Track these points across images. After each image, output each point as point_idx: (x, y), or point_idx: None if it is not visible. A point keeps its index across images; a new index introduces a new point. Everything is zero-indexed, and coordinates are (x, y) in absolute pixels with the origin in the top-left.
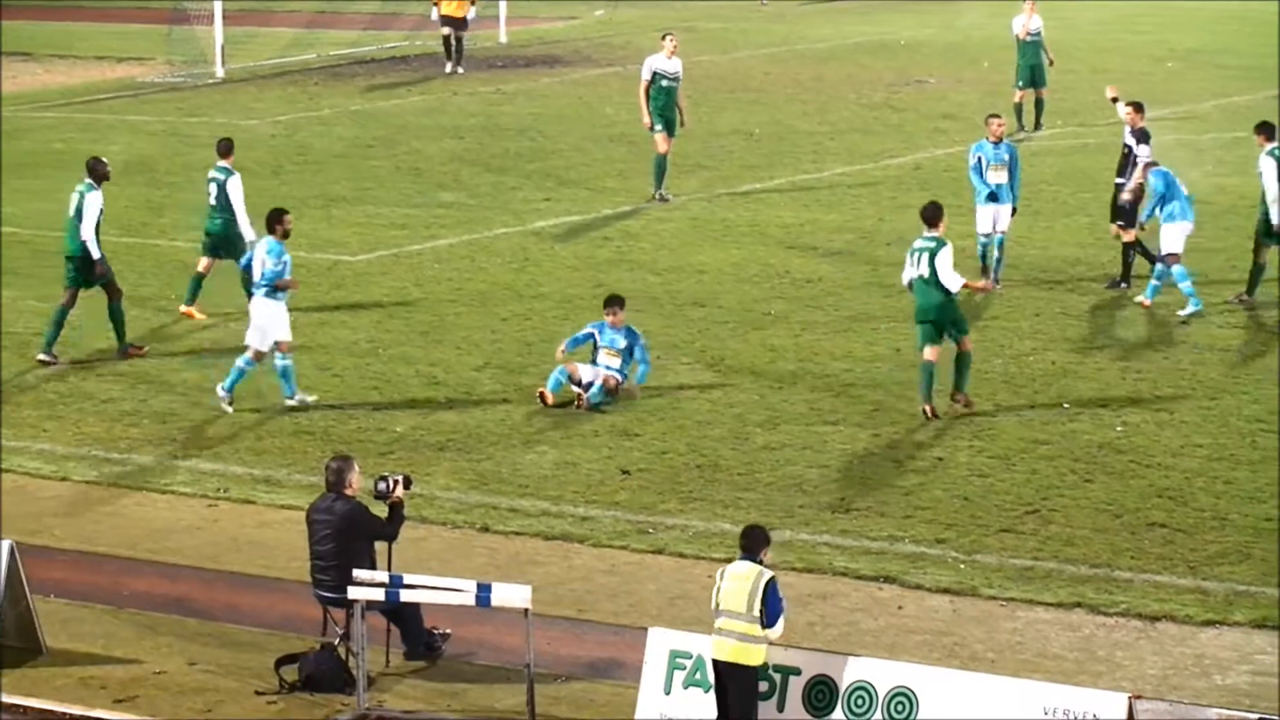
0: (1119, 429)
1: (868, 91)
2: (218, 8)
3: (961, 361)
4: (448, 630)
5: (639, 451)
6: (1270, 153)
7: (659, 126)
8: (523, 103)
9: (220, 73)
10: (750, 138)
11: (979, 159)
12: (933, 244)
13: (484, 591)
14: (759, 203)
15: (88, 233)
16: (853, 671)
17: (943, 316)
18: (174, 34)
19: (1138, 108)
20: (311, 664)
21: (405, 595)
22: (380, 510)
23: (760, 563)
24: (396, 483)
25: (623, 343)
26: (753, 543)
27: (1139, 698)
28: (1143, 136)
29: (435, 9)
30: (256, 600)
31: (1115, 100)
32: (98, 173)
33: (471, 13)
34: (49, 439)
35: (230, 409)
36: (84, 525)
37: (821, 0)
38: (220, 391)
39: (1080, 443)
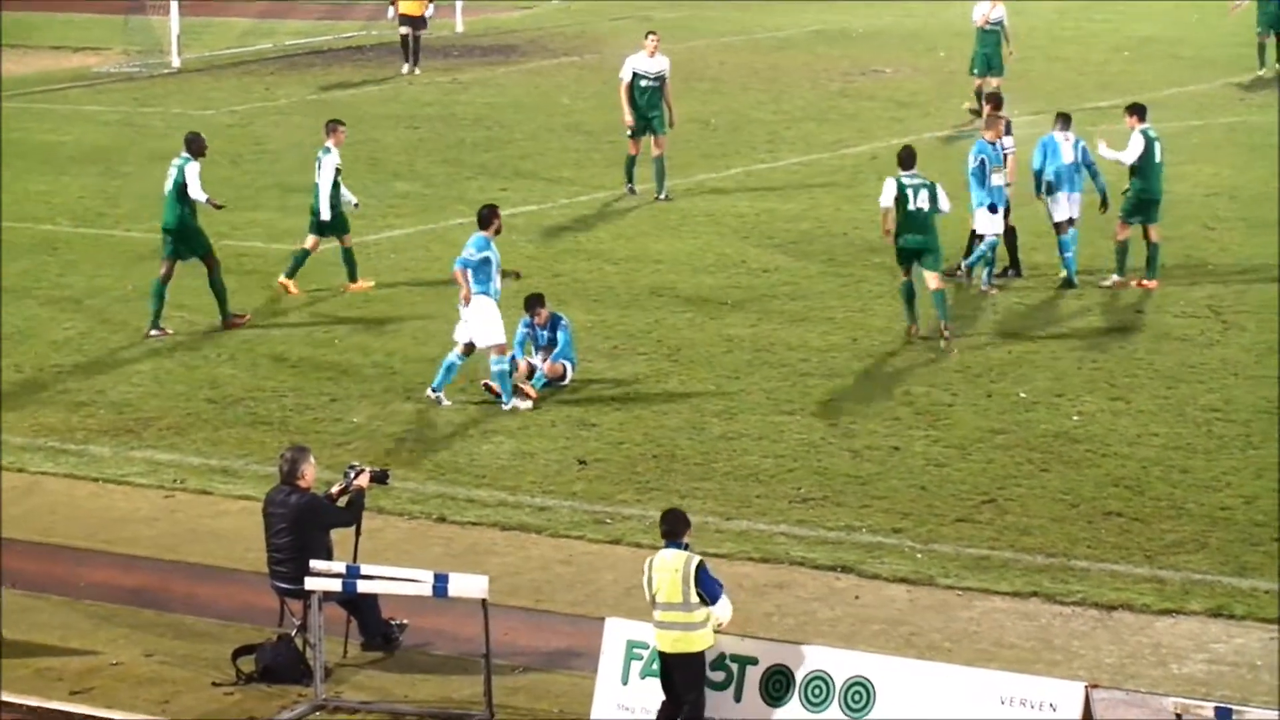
0: (1075, 418)
1: (824, 80)
2: None
3: (939, 296)
4: (405, 621)
5: (596, 442)
6: (1143, 132)
7: (635, 131)
8: (479, 92)
9: (176, 62)
10: (706, 127)
11: (981, 161)
12: (926, 181)
13: (441, 582)
14: (715, 192)
15: (197, 193)
16: (810, 661)
17: (931, 246)
18: (130, 24)
19: (995, 106)
20: (269, 655)
21: (362, 586)
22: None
23: (685, 546)
24: (361, 472)
25: (549, 338)
26: (675, 526)
27: (1095, 687)
28: (1007, 129)
29: (392, 7)
30: (213, 591)
31: (976, 112)
32: (196, 146)
33: (430, 10)
34: (5, 430)
35: (446, 402)
36: (40, 516)
37: None
38: (430, 393)
39: (1036, 432)
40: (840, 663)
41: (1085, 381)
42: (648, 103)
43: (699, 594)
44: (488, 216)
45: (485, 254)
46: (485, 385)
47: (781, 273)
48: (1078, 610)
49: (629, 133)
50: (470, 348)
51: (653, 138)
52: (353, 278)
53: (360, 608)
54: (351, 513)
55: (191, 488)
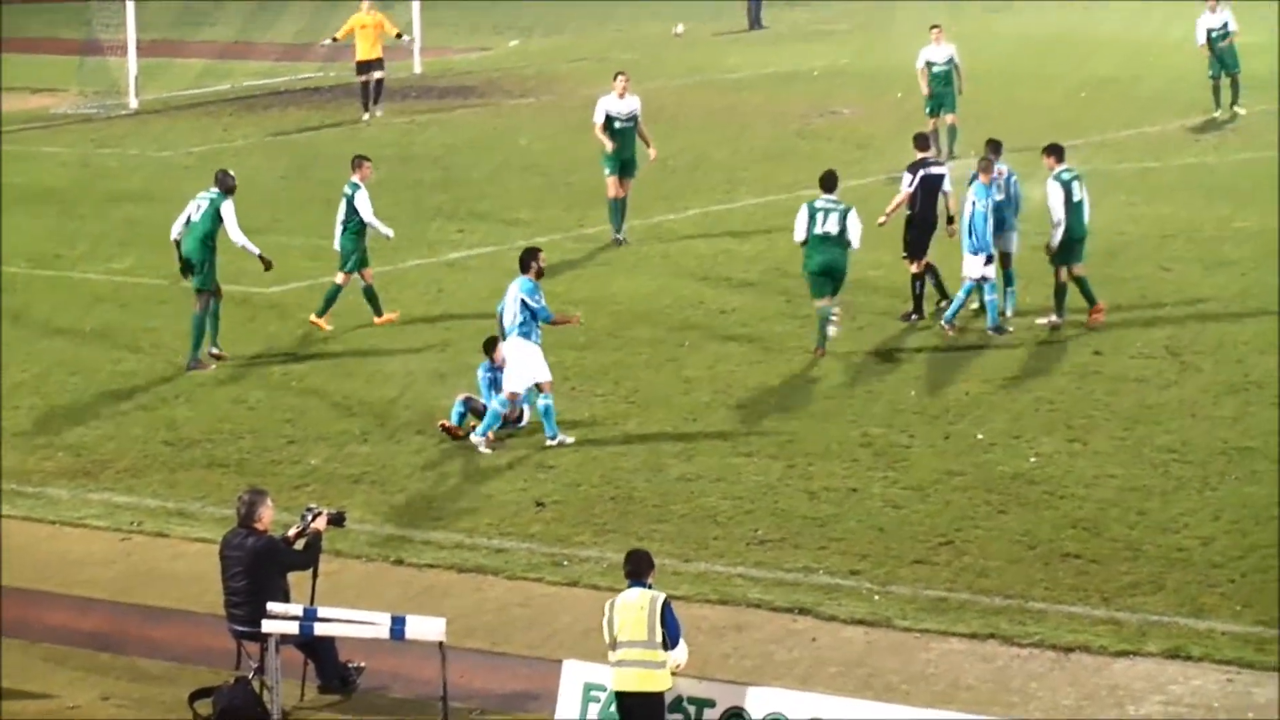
0: (1033, 459)
1: (781, 121)
2: (131, 38)
3: (824, 313)
4: (362, 663)
5: (553, 483)
6: (1057, 176)
7: (610, 170)
8: (436, 133)
9: (133, 103)
10: (664, 168)
11: (979, 207)
12: (841, 205)
13: (398, 624)
14: (673, 233)
15: (238, 236)
16: (767, 703)
17: (840, 271)
18: (86, 64)
19: (921, 141)
20: (226, 698)
21: (319, 628)
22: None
23: (648, 586)
24: (318, 515)
25: None
26: (639, 567)
27: None
28: (916, 167)
29: (331, 41)
30: (170, 633)
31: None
32: (228, 183)
33: (405, 39)
34: None
35: (489, 451)
36: None
37: (735, 31)
38: (475, 437)
39: (994, 473)
40: (797, 705)
41: (1043, 423)
42: (624, 144)
43: (663, 633)
44: (527, 259)
45: (539, 298)
46: (442, 426)
47: (739, 314)
48: (1035, 652)
49: (607, 173)
50: (516, 395)
51: (621, 180)
52: (378, 312)
53: (318, 650)
54: (309, 555)
55: (148, 530)
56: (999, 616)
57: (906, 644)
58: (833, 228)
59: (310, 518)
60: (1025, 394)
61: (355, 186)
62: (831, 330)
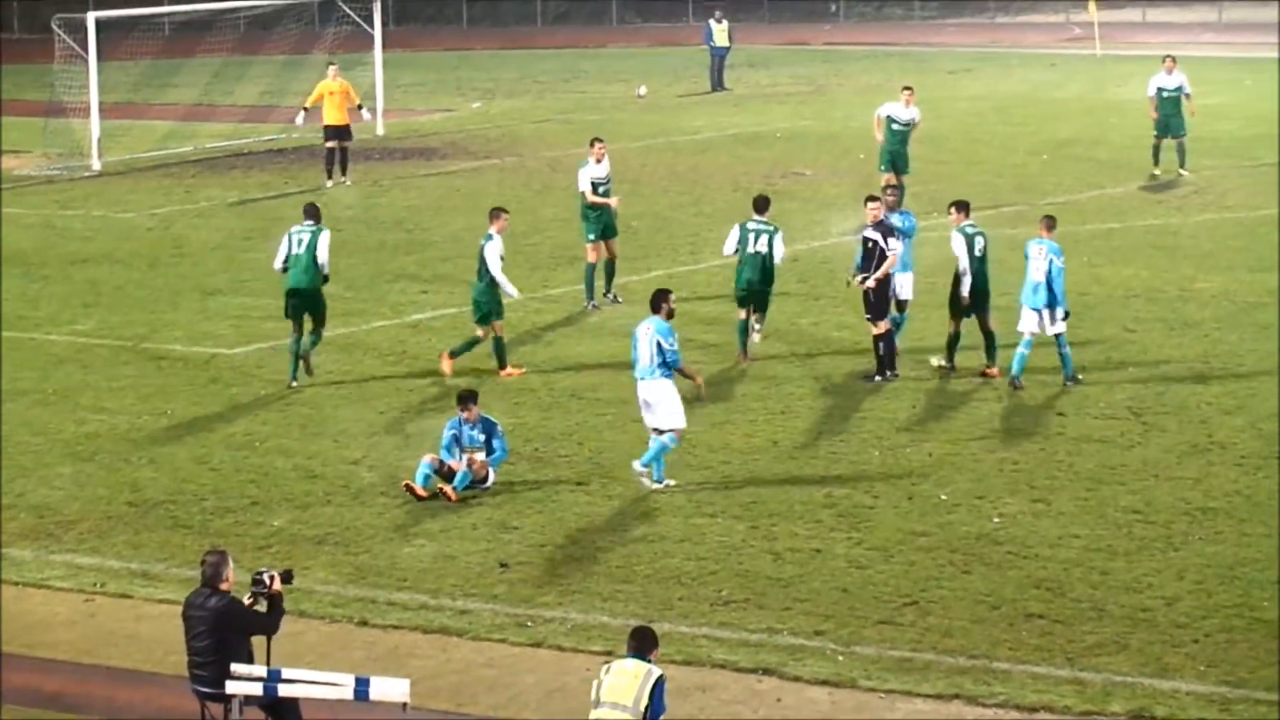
0: (996, 520)
1: (744, 183)
2: (94, 100)
3: (742, 325)
4: None
5: (517, 544)
6: (961, 229)
7: (592, 235)
8: (399, 195)
9: (97, 165)
10: (628, 229)
11: (1058, 263)
12: (770, 227)
13: (362, 685)
14: (636, 294)
15: (326, 260)
16: None
17: (766, 288)
18: (50, 126)
19: (875, 200)
20: None
21: (283, 689)
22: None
23: (650, 663)
24: (273, 578)
25: (482, 437)
26: (644, 643)
27: None
28: (889, 231)
29: (303, 112)
30: (133, 695)
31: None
32: (318, 213)
33: (366, 115)
34: None
35: (650, 485)
36: None
37: (698, 93)
38: (636, 466)
39: (958, 534)
40: None
41: (1006, 483)
42: (603, 209)
43: (647, 707)
44: (658, 301)
45: (673, 341)
46: (406, 486)
47: (702, 374)
48: (1000, 712)
49: (590, 239)
50: (661, 431)
51: (607, 242)
52: (503, 364)
53: (282, 711)
54: (273, 619)
55: (111, 591)
56: (964, 677)
57: (871, 704)
58: (763, 248)
59: (268, 580)
60: (989, 455)
61: (489, 238)
62: (755, 338)
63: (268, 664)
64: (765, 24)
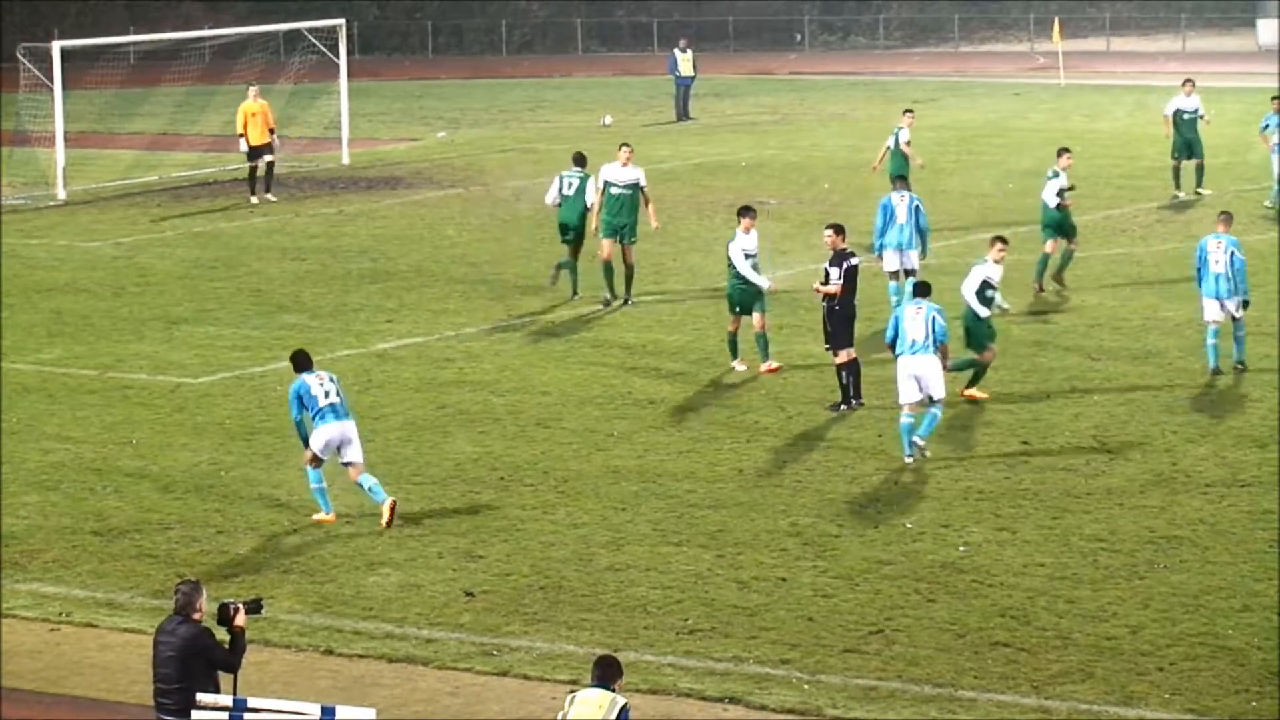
0: (961, 549)
1: (709, 212)
2: (59, 129)
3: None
4: None
5: (483, 573)
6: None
7: (604, 233)
8: (364, 224)
9: (62, 194)
10: (593, 259)
11: (1239, 254)
12: (582, 174)
13: (328, 714)
14: (601, 323)
15: (593, 199)
16: None
17: (578, 225)
18: (14, 155)
19: (838, 230)
20: None
21: (249, 718)
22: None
23: (614, 692)
24: (238, 610)
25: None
26: (608, 673)
27: None
28: (843, 258)
29: (243, 139)
30: None
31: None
32: (585, 160)
33: (276, 143)
34: None
35: (926, 452)
36: None
37: (663, 122)
38: (919, 441)
39: (923, 562)
40: None
41: (971, 512)
42: (618, 210)
43: None
44: (923, 289)
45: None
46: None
47: (667, 404)
48: None
49: (599, 234)
50: (920, 405)
51: (622, 246)
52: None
53: None
54: (235, 656)
55: (77, 620)
56: (929, 705)
57: None
58: (572, 192)
59: (232, 612)
60: (953, 483)
61: (733, 237)
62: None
63: (234, 693)
64: (730, 53)
